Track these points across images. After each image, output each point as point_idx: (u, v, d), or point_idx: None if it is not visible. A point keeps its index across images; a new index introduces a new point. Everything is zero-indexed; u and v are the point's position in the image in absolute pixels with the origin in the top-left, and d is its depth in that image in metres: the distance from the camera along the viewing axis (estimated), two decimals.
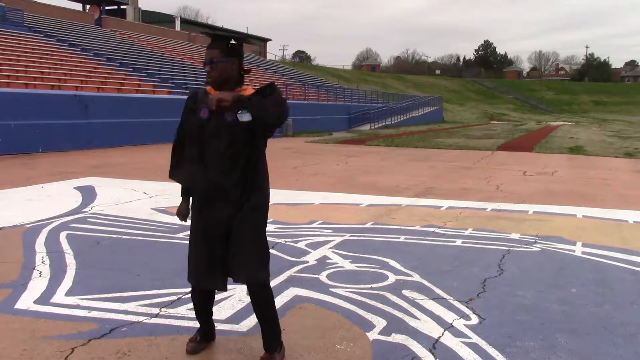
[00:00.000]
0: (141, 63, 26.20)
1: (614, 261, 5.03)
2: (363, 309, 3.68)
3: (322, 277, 4.37)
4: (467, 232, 6.12)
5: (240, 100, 2.67)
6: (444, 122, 50.25)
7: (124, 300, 3.72)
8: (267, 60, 53.66)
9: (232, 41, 2.78)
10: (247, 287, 2.91)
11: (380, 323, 3.45)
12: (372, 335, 3.28)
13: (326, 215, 6.96)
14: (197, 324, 3.11)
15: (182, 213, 2.99)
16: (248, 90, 2.80)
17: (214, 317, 3.13)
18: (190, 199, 2.94)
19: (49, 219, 6.41)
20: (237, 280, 2.89)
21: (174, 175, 3.01)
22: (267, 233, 2.98)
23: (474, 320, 3.53)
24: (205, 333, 3.08)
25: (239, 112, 2.70)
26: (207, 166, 2.80)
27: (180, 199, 3.01)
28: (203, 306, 3.01)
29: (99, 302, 3.72)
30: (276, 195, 8.45)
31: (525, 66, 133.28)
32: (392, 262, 4.80)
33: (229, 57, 2.76)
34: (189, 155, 2.87)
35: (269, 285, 2.95)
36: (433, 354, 3.04)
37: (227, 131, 2.76)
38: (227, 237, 2.82)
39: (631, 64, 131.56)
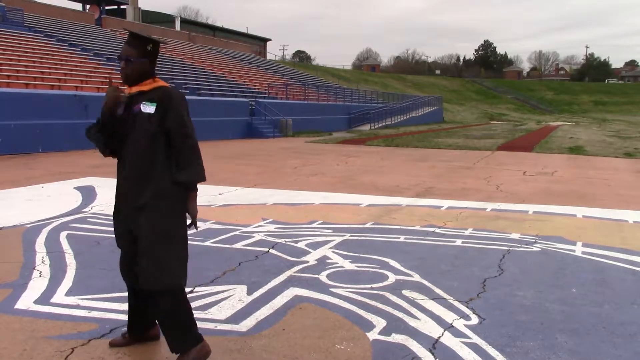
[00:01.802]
0: None
1: (614, 261, 5.02)
2: (363, 309, 3.68)
3: (322, 277, 4.37)
4: (467, 232, 6.12)
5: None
6: (444, 122, 50.24)
7: (124, 300, 3.70)
8: (267, 60, 53.67)
9: (150, 46, 2.85)
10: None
11: (380, 323, 3.45)
12: (372, 335, 3.28)
13: (326, 215, 6.96)
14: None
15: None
16: (158, 81, 2.86)
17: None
18: None
19: (49, 219, 6.41)
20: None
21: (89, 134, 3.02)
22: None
23: (474, 320, 3.53)
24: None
25: (144, 103, 2.81)
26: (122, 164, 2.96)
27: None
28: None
29: (99, 302, 3.72)
30: (276, 195, 8.46)
31: (525, 66, 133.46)
32: (392, 262, 4.80)
33: (145, 58, 2.84)
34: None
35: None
36: (433, 354, 3.04)
37: (133, 125, 2.84)
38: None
39: (631, 64, 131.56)
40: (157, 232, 2.74)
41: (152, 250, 2.74)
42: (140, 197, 2.76)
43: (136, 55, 2.81)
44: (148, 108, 2.77)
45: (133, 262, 2.82)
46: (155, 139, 2.76)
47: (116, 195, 2.91)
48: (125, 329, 3.13)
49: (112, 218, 3.02)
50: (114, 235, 3.01)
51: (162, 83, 2.88)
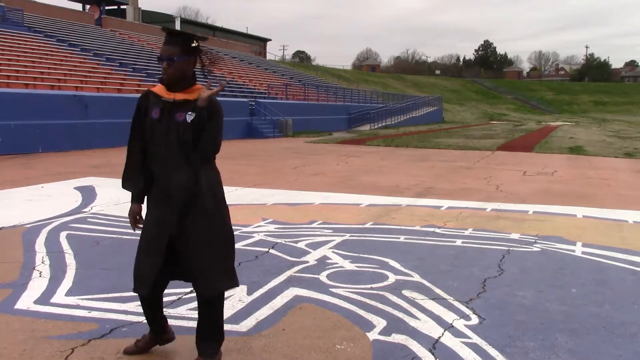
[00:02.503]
0: (141, 63, 26.21)
1: (614, 261, 5.02)
2: (363, 309, 3.68)
3: (322, 277, 4.37)
4: (467, 232, 6.12)
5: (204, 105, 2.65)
6: (444, 122, 50.24)
7: (124, 300, 3.72)
8: (267, 60, 53.67)
9: (194, 42, 2.72)
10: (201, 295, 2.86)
11: (380, 323, 3.45)
12: (372, 335, 3.27)
13: (326, 215, 6.96)
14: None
15: (135, 212, 2.90)
16: (202, 89, 2.73)
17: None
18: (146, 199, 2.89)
19: (49, 219, 6.41)
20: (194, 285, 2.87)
21: (125, 186, 2.92)
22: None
23: (474, 320, 3.53)
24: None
25: (189, 112, 2.67)
26: (158, 167, 2.77)
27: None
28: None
29: (99, 302, 3.72)
30: (276, 195, 8.45)
31: (525, 66, 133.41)
32: (392, 262, 4.80)
33: (189, 55, 2.71)
34: (140, 157, 2.82)
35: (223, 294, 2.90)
36: (433, 354, 3.04)
37: (175, 131, 2.70)
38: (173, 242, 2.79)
39: (631, 64, 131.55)
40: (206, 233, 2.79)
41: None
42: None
43: (179, 53, 2.66)
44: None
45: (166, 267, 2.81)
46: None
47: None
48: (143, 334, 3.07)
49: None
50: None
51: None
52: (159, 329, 3.01)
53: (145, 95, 2.84)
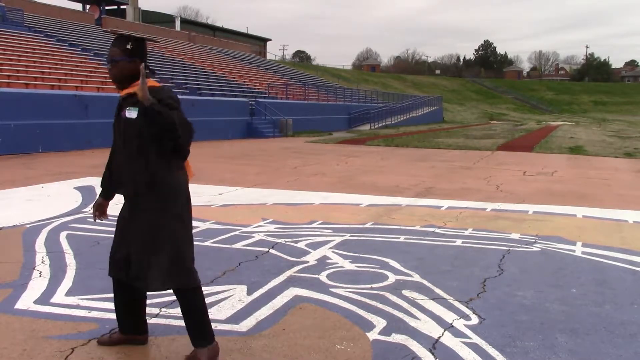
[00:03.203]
0: None
1: (614, 261, 5.02)
2: (363, 309, 3.68)
3: (322, 277, 4.37)
4: (467, 232, 6.12)
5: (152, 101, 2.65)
6: (444, 122, 50.25)
7: None
8: (267, 60, 53.68)
9: (129, 45, 2.80)
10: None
11: (380, 323, 3.45)
12: (372, 335, 3.27)
13: (326, 215, 6.96)
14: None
15: (97, 205, 3.07)
16: (151, 82, 2.79)
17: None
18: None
19: (49, 219, 6.41)
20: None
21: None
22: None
23: (474, 320, 3.53)
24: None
25: (128, 108, 2.76)
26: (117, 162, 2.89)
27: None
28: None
29: (99, 302, 3.72)
30: (276, 195, 8.45)
31: (525, 66, 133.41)
32: (392, 262, 4.80)
33: (131, 57, 2.80)
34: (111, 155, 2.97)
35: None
36: (433, 354, 3.04)
37: (122, 129, 2.82)
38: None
39: (631, 64, 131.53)
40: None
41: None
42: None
43: (119, 54, 2.79)
44: (132, 113, 2.75)
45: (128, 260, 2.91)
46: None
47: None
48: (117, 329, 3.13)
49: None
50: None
51: (153, 83, 2.80)
52: (133, 327, 3.05)
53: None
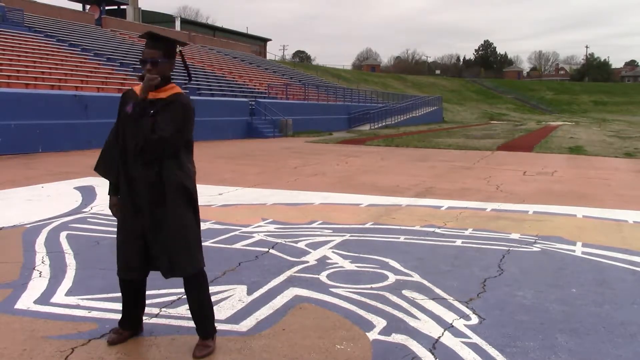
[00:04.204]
0: None
1: (614, 261, 5.03)
2: (363, 309, 3.68)
3: (322, 277, 4.37)
4: (467, 232, 6.12)
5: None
6: (444, 122, 50.24)
7: None
8: (267, 60, 53.67)
9: (174, 47, 2.97)
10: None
11: (380, 323, 3.45)
12: (372, 335, 3.28)
13: (326, 215, 6.96)
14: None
15: (115, 205, 3.07)
16: (175, 88, 2.98)
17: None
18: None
19: (49, 219, 6.41)
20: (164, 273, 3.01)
21: (98, 170, 3.12)
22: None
23: (474, 320, 3.53)
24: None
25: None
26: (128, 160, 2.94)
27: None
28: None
29: (99, 302, 3.72)
30: (276, 195, 8.45)
31: (525, 66, 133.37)
32: (392, 262, 4.80)
33: (171, 58, 2.96)
34: (115, 149, 3.01)
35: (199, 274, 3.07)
36: (433, 354, 3.04)
37: (145, 127, 2.89)
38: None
39: (631, 64, 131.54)
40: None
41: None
42: None
43: (160, 56, 2.90)
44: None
45: (144, 254, 3.01)
46: None
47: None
48: (116, 326, 3.17)
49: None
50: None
51: (178, 90, 2.97)
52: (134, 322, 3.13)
53: (126, 92, 3.07)
